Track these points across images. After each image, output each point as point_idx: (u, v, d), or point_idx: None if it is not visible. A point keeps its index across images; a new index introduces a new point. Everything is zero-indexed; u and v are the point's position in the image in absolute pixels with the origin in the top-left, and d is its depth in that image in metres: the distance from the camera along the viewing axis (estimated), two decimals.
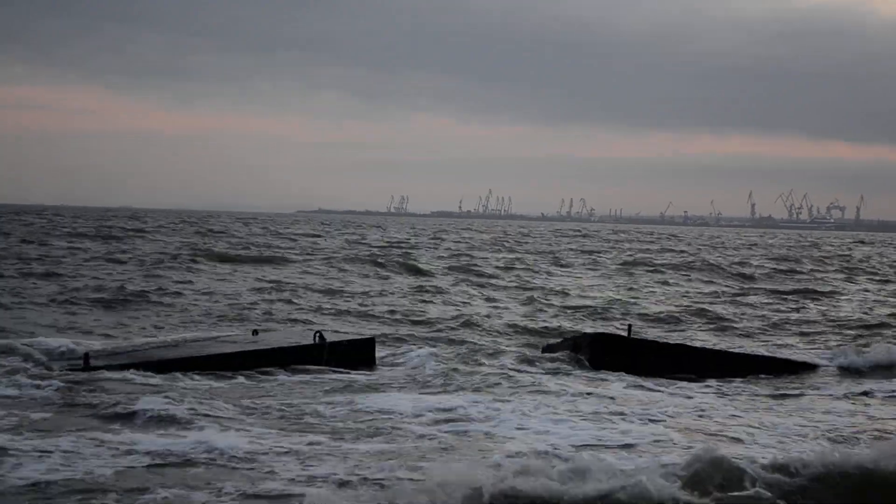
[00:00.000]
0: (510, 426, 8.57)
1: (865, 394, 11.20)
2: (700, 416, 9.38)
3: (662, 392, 10.66)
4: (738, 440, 8.42)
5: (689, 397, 10.41)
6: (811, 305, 23.30)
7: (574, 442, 8.05)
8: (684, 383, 11.31)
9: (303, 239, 53.05)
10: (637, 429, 8.67)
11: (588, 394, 10.19)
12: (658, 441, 8.23)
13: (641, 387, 10.87)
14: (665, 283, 28.95)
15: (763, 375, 12.12)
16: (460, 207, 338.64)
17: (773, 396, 10.69)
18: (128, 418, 8.38)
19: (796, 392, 11.16)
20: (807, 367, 13.05)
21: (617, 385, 10.90)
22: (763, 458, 6.93)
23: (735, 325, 18.67)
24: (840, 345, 15.42)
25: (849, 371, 12.92)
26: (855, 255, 54.11)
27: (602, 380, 11.17)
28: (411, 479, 6.55)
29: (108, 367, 10.54)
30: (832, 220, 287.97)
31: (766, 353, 14.31)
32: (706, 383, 11.37)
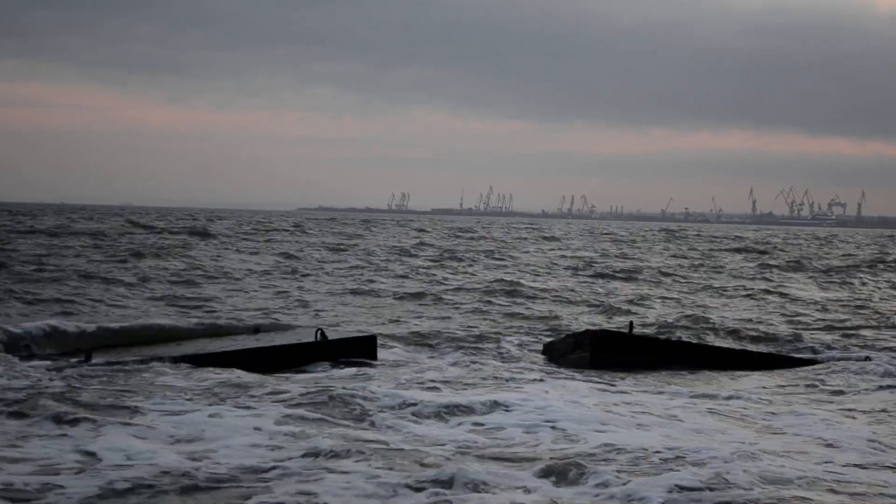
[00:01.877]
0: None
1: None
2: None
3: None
4: None
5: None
6: None
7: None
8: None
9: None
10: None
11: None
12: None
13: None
14: None
15: (765, 371, 12.05)
16: (461, 204, 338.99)
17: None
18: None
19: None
20: (810, 363, 12.96)
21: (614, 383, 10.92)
22: None
23: None
24: None
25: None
26: None
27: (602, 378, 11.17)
28: None
29: (108, 363, 10.58)
30: (833, 217, 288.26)
31: (772, 351, 14.29)
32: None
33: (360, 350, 11.82)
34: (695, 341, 14.76)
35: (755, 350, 14.11)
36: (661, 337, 14.79)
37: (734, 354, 12.87)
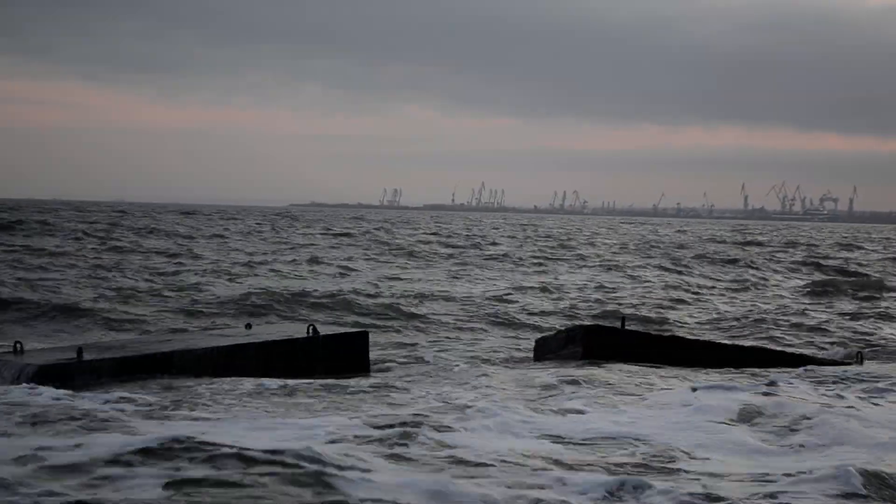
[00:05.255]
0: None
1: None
2: None
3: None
4: None
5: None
6: None
7: None
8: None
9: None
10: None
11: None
12: None
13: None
14: None
15: (760, 369, 11.81)
16: (453, 200, 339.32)
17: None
18: None
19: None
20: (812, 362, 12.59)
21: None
22: None
23: None
24: None
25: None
26: None
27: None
28: None
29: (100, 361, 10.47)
30: (825, 212, 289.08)
31: (772, 348, 14.12)
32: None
33: (352, 345, 11.77)
34: (689, 336, 14.72)
35: (759, 346, 13.89)
36: (653, 332, 14.77)
37: (734, 351, 12.68)
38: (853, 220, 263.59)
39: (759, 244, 53.28)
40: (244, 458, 5.52)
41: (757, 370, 11.56)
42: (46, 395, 8.05)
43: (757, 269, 32.19)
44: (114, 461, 5.50)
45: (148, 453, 5.60)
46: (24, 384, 8.79)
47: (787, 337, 16.28)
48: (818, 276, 29.47)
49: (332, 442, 6.27)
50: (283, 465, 5.46)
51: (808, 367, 11.77)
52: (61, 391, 8.26)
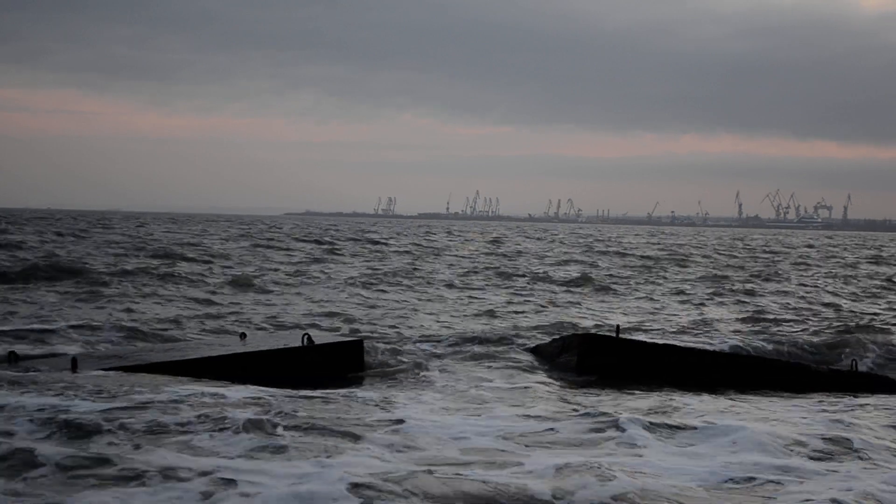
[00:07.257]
0: None
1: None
2: None
3: None
4: None
5: None
6: None
7: None
8: None
9: None
10: None
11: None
12: None
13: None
14: None
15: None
16: (448, 209, 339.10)
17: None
18: None
19: None
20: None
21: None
22: None
23: None
24: None
25: None
26: None
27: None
28: None
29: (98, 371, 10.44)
30: (819, 220, 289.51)
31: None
32: None
33: (346, 354, 11.76)
34: (686, 346, 14.53)
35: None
36: (648, 341, 14.70)
37: (721, 357, 12.58)
38: (848, 228, 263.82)
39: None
40: None
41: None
42: None
43: None
44: None
45: None
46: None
47: None
48: None
49: None
50: None
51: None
52: None
